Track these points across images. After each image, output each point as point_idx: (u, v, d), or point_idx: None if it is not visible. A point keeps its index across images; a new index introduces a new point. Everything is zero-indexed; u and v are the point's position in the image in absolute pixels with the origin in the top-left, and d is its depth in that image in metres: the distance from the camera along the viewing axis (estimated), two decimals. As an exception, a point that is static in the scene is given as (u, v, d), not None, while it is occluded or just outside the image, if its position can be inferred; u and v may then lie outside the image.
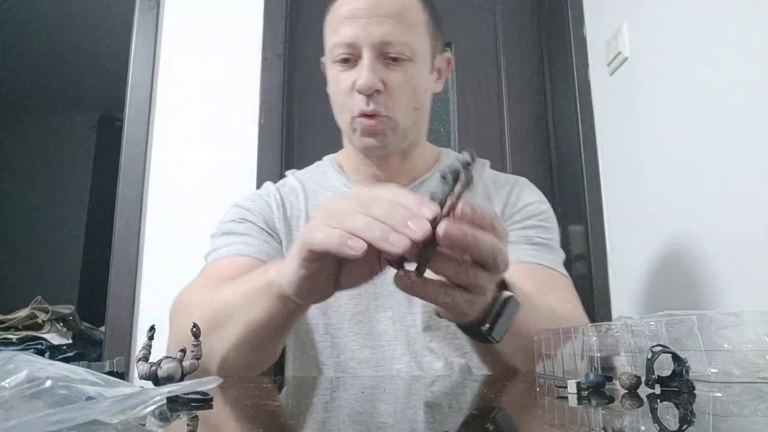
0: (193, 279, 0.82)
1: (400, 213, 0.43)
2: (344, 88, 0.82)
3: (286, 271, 0.52)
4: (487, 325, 0.51)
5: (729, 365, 0.42)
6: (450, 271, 0.46)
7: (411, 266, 0.47)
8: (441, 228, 0.43)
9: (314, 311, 0.84)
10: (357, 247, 0.43)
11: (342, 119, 0.86)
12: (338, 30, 0.81)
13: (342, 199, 0.48)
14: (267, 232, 0.87)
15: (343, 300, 0.83)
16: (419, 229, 0.42)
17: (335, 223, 0.45)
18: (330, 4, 0.86)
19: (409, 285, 0.47)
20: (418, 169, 0.92)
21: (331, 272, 0.52)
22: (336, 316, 0.83)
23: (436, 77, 0.90)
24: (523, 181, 0.96)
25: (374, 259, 0.51)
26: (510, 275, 0.53)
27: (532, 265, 0.82)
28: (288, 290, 0.53)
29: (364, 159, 0.90)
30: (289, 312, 0.58)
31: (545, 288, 0.78)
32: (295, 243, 0.51)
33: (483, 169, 0.95)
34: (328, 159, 0.99)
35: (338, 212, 0.46)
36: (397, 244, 0.42)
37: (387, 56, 0.80)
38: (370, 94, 0.79)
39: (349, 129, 0.85)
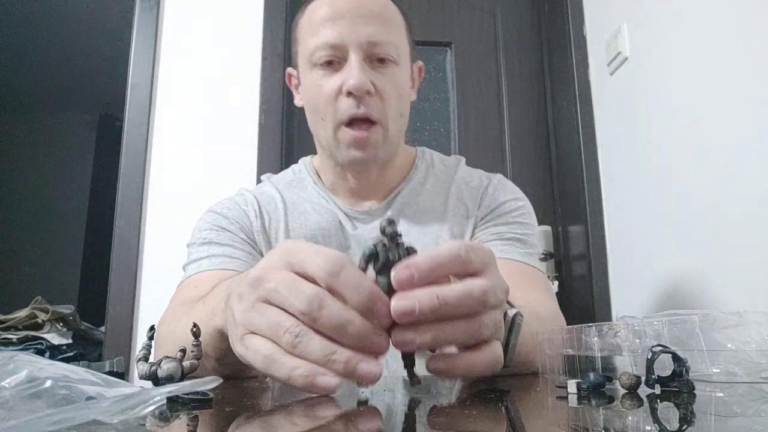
0: (173, 297, 0.77)
1: (354, 327, 0.35)
2: (328, 94, 0.76)
3: (234, 347, 0.42)
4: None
5: (732, 365, 0.42)
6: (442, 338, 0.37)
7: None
8: (393, 309, 0.35)
9: None
10: (331, 387, 0.36)
11: (324, 129, 0.79)
12: (319, 32, 0.76)
13: (279, 285, 0.38)
14: (248, 242, 0.82)
15: None
16: (381, 344, 0.35)
17: (283, 342, 0.36)
18: (302, 9, 0.82)
19: (449, 369, 0.39)
20: (394, 181, 0.88)
21: None
22: None
23: (411, 85, 0.86)
24: (498, 177, 0.92)
25: None
26: None
27: (501, 261, 0.79)
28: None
29: (341, 173, 0.85)
30: None
31: (514, 283, 0.76)
32: (249, 348, 0.39)
33: (457, 168, 0.92)
34: (304, 164, 0.93)
35: (281, 328, 0.37)
36: (369, 373, 0.35)
37: (373, 58, 0.77)
38: (360, 96, 0.75)
39: (333, 141, 0.79)
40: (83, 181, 3.54)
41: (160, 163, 1.58)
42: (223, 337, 0.48)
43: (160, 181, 1.56)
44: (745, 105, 1.00)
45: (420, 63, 0.90)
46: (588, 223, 1.58)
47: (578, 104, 1.66)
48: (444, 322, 0.36)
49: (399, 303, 0.35)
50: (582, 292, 1.59)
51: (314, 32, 0.77)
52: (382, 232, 0.38)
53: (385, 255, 0.37)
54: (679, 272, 1.19)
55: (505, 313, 0.46)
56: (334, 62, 0.77)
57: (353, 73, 0.74)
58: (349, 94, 0.75)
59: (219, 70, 1.65)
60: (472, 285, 0.37)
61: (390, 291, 0.36)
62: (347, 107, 0.76)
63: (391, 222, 0.38)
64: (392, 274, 0.36)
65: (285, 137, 1.62)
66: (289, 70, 0.90)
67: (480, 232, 0.85)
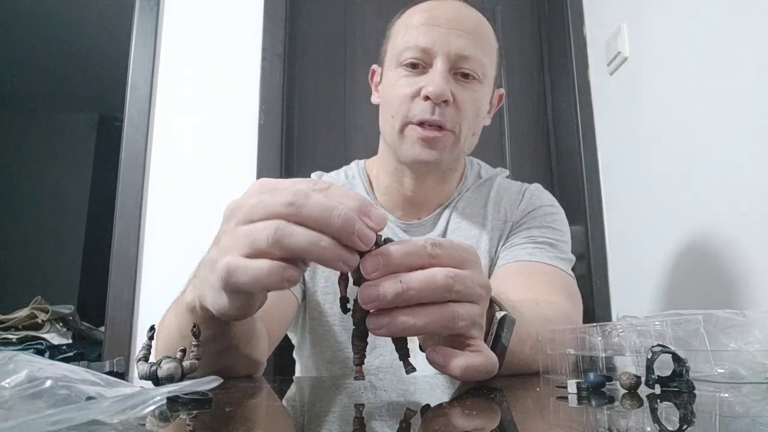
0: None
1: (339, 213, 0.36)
2: (405, 94, 0.77)
3: (209, 299, 0.43)
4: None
5: (735, 365, 0.41)
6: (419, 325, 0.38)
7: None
8: (360, 297, 0.37)
9: (336, 322, 0.82)
10: (296, 279, 0.37)
11: (392, 125, 0.79)
12: (412, 34, 0.77)
13: (260, 195, 0.39)
14: None
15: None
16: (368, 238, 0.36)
17: (263, 240, 0.36)
18: (401, 11, 0.84)
19: (445, 363, 0.40)
20: (448, 192, 0.88)
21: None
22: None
23: (488, 109, 0.86)
24: (535, 186, 0.93)
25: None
26: (495, 286, 0.46)
27: (525, 263, 0.80)
28: (216, 313, 0.44)
29: (399, 177, 0.84)
30: (225, 328, 0.50)
31: (535, 283, 0.75)
32: (216, 269, 0.40)
33: (498, 176, 0.93)
34: (357, 167, 0.93)
35: (258, 230, 0.37)
36: (353, 261, 0.37)
37: (458, 71, 0.77)
38: (438, 103, 0.74)
39: (398, 137, 0.78)
40: (83, 181, 3.54)
41: (160, 163, 1.58)
42: (195, 311, 0.48)
43: (160, 181, 1.56)
44: (745, 105, 1.00)
45: (501, 91, 0.89)
46: (588, 223, 1.58)
47: (578, 104, 1.65)
48: (414, 307, 0.38)
49: (365, 289, 0.37)
50: (582, 292, 1.59)
51: (407, 33, 0.78)
52: None
53: None
54: (679, 272, 1.19)
55: (493, 315, 0.47)
56: (419, 66, 0.77)
57: (435, 80, 0.74)
58: (426, 98, 0.75)
59: (219, 70, 1.65)
60: (436, 271, 0.38)
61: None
62: (420, 110, 0.76)
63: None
64: (361, 261, 0.37)
65: (285, 137, 1.62)
66: (374, 66, 0.89)
67: (514, 235, 0.85)
